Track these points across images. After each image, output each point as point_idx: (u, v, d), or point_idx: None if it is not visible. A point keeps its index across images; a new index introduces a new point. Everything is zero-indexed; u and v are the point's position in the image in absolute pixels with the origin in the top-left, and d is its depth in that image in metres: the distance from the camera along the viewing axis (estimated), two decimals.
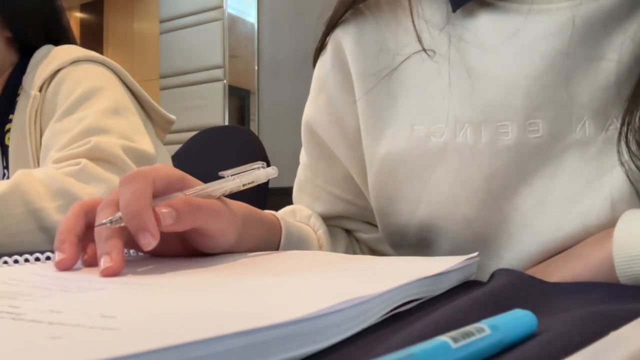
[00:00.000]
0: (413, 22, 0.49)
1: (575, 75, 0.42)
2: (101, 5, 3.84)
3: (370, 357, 0.19)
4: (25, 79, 0.87)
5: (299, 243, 0.51)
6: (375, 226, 0.56)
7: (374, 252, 0.62)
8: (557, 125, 0.43)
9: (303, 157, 0.61)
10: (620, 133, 0.40)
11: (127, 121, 0.81)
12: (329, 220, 0.60)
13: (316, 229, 0.56)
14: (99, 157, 0.72)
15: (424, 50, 0.48)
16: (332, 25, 0.53)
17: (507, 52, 0.44)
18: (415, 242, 0.50)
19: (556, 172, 0.43)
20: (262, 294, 0.28)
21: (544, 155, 0.43)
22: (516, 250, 0.44)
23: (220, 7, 2.98)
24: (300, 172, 0.62)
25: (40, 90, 0.82)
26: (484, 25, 0.46)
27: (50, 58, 0.86)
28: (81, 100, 0.79)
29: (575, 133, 0.42)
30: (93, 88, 0.81)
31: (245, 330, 0.19)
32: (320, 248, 0.55)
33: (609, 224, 0.40)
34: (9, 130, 0.86)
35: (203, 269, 0.36)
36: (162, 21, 3.18)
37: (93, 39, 3.82)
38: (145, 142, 0.80)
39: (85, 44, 0.94)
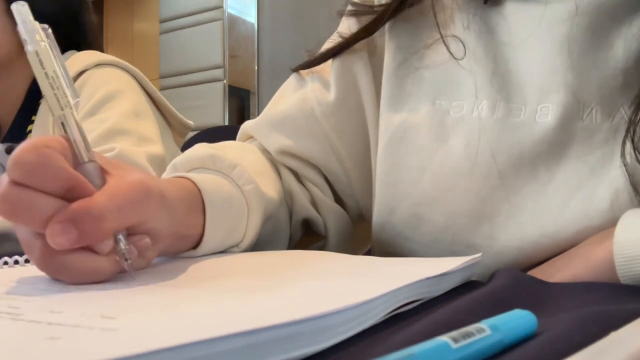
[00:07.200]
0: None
1: (583, 62, 0.44)
2: (101, 5, 3.84)
3: (370, 357, 0.19)
4: None
5: (223, 210, 0.43)
6: (332, 196, 0.57)
7: (309, 222, 0.57)
8: (565, 110, 0.43)
9: (319, 94, 0.57)
10: (627, 130, 0.40)
11: (146, 125, 0.83)
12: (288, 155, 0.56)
13: (242, 184, 0.46)
14: None
15: (457, 37, 0.50)
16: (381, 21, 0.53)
17: (528, 38, 0.46)
18: (405, 217, 0.49)
19: (561, 158, 0.44)
20: (264, 294, 0.28)
21: (550, 140, 0.44)
22: (512, 232, 0.45)
23: (220, 7, 2.98)
24: (305, 102, 0.57)
25: None
26: (511, 12, 0.48)
27: (73, 61, 0.87)
28: (103, 102, 0.81)
29: (583, 120, 0.43)
30: (114, 91, 0.83)
31: (245, 330, 0.19)
32: (248, 209, 0.46)
33: (611, 213, 0.40)
34: (30, 132, 0.87)
35: (204, 269, 0.36)
36: (162, 21, 3.19)
37: None
38: (160, 146, 0.83)
39: None
